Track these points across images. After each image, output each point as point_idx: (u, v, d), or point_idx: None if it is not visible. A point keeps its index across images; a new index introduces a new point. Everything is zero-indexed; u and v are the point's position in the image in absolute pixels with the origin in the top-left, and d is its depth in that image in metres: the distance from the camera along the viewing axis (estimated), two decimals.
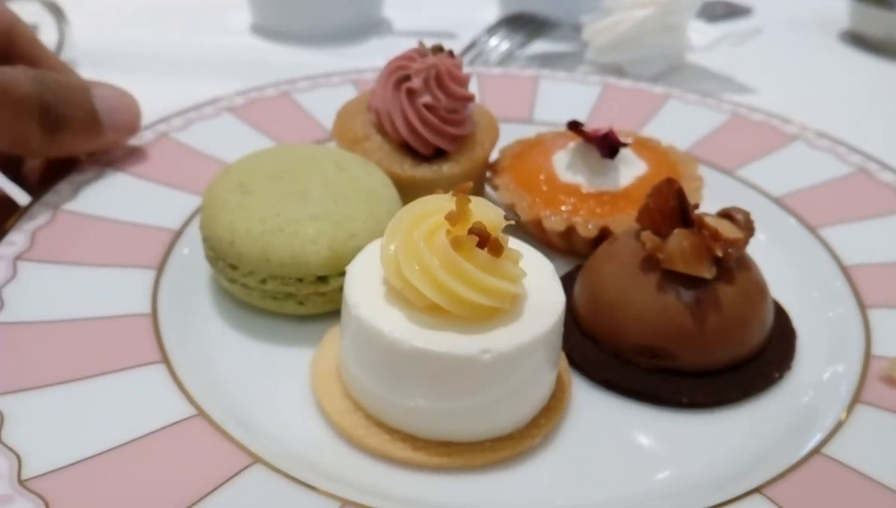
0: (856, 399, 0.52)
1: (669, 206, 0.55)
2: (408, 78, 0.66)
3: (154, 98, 0.72)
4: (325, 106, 0.83)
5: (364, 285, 0.49)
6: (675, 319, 0.53)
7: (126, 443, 0.46)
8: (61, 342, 0.52)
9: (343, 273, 0.56)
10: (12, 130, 0.59)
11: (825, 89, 1.06)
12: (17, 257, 0.59)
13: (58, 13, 0.99)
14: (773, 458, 0.49)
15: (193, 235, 0.64)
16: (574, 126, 0.68)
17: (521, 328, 0.47)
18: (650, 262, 0.55)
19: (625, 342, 0.55)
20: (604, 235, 0.64)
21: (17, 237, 0.60)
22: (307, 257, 0.56)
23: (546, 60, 1.11)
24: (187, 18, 1.22)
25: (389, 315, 0.47)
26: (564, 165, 0.69)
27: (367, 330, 0.47)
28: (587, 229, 0.64)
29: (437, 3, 1.32)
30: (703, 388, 0.53)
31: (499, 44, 1.12)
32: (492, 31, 1.14)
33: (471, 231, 0.46)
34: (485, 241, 0.46)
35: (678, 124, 0.83)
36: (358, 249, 0.56)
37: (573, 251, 0.67)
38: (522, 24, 1.14)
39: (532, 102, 0.88)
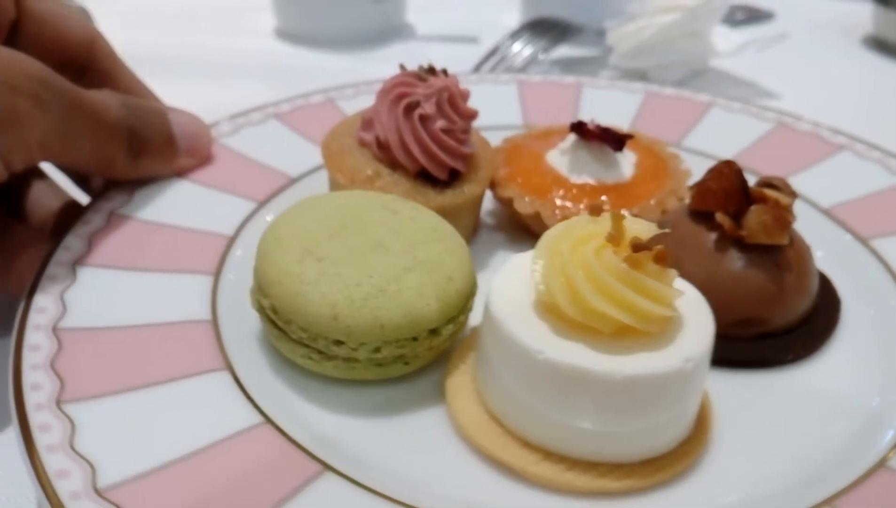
0: None
1: (734, 186, 0.59)
2: (417, 104, 0.63)
3: (178, 101, 0.70)
4: (252, 146, 0.77)
5: (530, 327, 0.47)
6: (764, 287, 0.57)
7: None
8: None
9: (451, 320, 0.53)
10: (101, 154, 0.61)
11: (848, 94, 1.06)
12: (76, 262, 0.59)
13: (85, 16, 0.94)
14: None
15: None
16: (579, 127, 0.69)
17: (697, 329, 0.48)
18: (723, 240, 0.58)
19: (722, 319, 0.57)
20: None
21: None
22: (420, 313, 0.51)
23: (569, 66, 1.10)
24: (212, 22, 1.21)
25: (579, 351, 0.46)
26: (567, 166, 0.70)
27: (569, 373, 0.45)
28: None
29: (459, 8, 1.33)
30: (797, 342, 0.59)
31: (522, 49, 1.10)
32: (515, 36, 1.13)
33: (636, 247, 0.46)
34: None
35: (720, 132, 0.84)
36: (458, 292, 0.53)
37: None
38: (546, 30, 1.14)
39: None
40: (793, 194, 0.60)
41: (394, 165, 0.65)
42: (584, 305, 0.45)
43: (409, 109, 0.63)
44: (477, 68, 1.07)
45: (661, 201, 0.68)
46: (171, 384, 0.50)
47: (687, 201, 0.67)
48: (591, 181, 0.69)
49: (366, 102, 0.85)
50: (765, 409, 0.54)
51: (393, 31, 1.21)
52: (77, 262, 0.59)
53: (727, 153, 0.81)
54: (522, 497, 0.47)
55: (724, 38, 1.06)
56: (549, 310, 0.48)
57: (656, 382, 0.45)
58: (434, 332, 0.53)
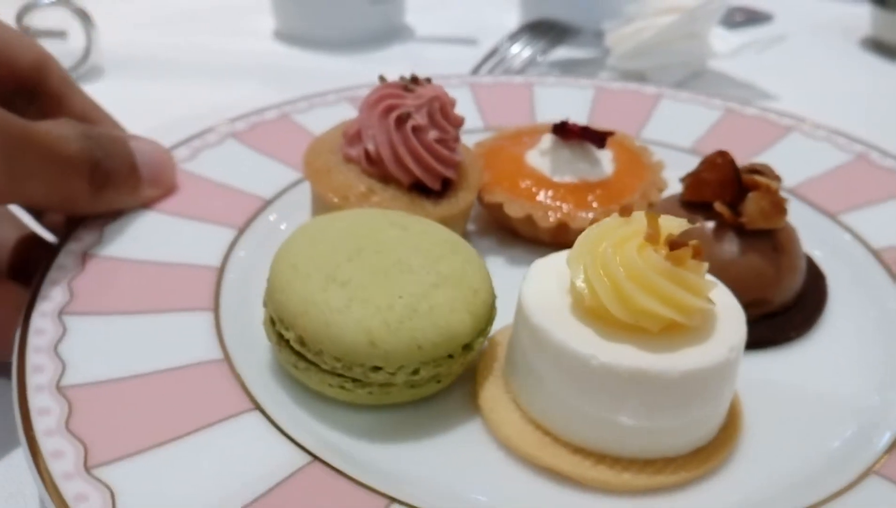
0: None
1: (728, 175, 0.60)
2: (408, 115, 0.61)
3: (177, 102, 0.71)
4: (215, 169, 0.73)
5: (577, 332, 0.47)
6: (765, 269, 0.60)
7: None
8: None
9: (481, 333, 0.53)
10: (61, 190, 0.56)
11: (847, 96, 1.06)
12: (61, 312, 0.54)
13: (85, 19, 0.98)
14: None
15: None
16: (562, 127, 0.69)
17: (731, 317, 0.49)
18: (723, 228, 0.60)
19: None
20: None
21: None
22: (455, 329, 0.50)
23: (568, 67, 1.10)
24: (211, 23, 1.21)
25: (631, 352, 0.46)
26: (549, 167, 0.70)
27: (625, 375, 0.45)
28: None
29: (458, 9, 1.33)
30: (795, 319, 0.61)
31: (521, 50, 1.09)
32: (514, 37, 1.13)
33: (674, 244, 0.47)
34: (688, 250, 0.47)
35: (673, 122, 0.86)
36: (485, 303, 0.53)
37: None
38: (544, 31, 1.13)
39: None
40: (777, 178, 0.63)
41: (386, 179, 0.63)
42: (633, 305, 0.46)
43: (401, 120, 0.61)
44: (476, 70, 1.07)
45: (646, 193, 0.69)
46: (203, 432, 0.47)
47: (667, 192, 0.70)
48: (575, 180, 0.69)
49: (321, 114, 0.83)
50: (776, 391, 0.56)
51: (392, 32, 1.21)
52: (62, 312, 0.54)
53: (685, 142, 0.84)
54: (579, 502, 0.47)
55: (723, 40, 1.05)
56: (591, 313, 0.48)
57: (708, 374, 0.46)
58: (467, 347, 0.52)
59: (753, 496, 0.48)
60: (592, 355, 0.46)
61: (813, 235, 0.70)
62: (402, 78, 0.65)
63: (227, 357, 0.53)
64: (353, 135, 0.64)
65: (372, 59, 1.14)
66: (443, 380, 0.52)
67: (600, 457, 0.48)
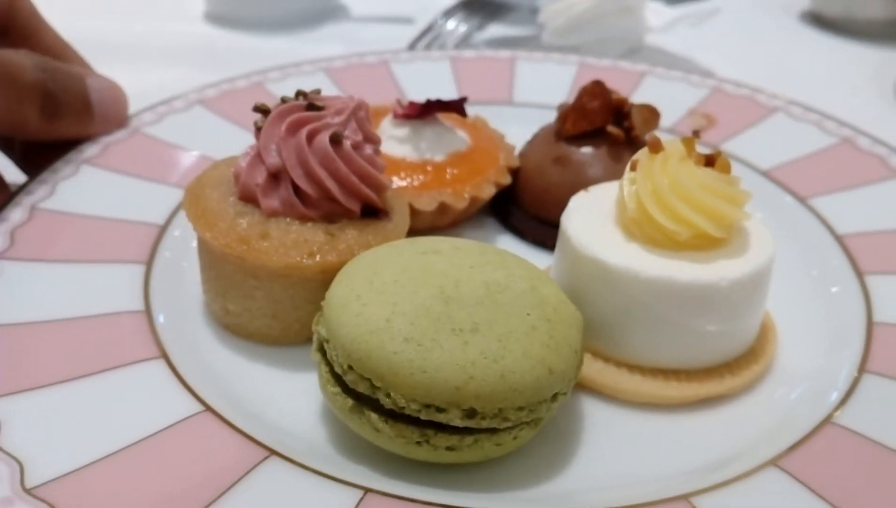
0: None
1: (607, 100, 0.65)
2: (341, 134, 0.51)
3: None
4: None
5: (691, 267, 0.49)
6: None
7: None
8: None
9: None
10: (13, 114, 0.61)
11: (786, 69, 1.04)
12: None
13: None
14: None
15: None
16: (429, 106, 0.65)
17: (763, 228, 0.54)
18: (616, 147, 0.65)
19: None
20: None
21: None
22: (579, 319, 0.47)
23: (503, 44, 1.07)
24: (141, 6, 1.20)
25: (738, 262, 0.50)
26: (418, 151, 0.66)
27: (749, 283, 0.50)
28: (507, 178, 0.67)
29: None
30: None
31: (456, 27, 1.08)
32: (448, 14, 1.11)
33: (709, 159, 0.51)
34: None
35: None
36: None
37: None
38: (479, 7, 1.12)
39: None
40: (616, 92, 0.70)
41: (331, 217, 0.53)
42: (728, 220, 0.50)
43: (336, 142, 0.51)
44: (411, 47, 1.04)
45: (505, 146, 0.71)
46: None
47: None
48: (450, 155, 0.66)
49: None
50: None
51: (326, 12, 1.18)
52: None
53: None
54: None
55: (657, 14, 1.04)
56: (683, 246, 0.50)
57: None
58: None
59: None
60: (720, 277, 0.49)
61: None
62: (283, 99, 0.53)
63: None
64: (266, 183, 0.51)
65: (306, 39, 1.10)
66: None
67: (728, 367, 0.52)
